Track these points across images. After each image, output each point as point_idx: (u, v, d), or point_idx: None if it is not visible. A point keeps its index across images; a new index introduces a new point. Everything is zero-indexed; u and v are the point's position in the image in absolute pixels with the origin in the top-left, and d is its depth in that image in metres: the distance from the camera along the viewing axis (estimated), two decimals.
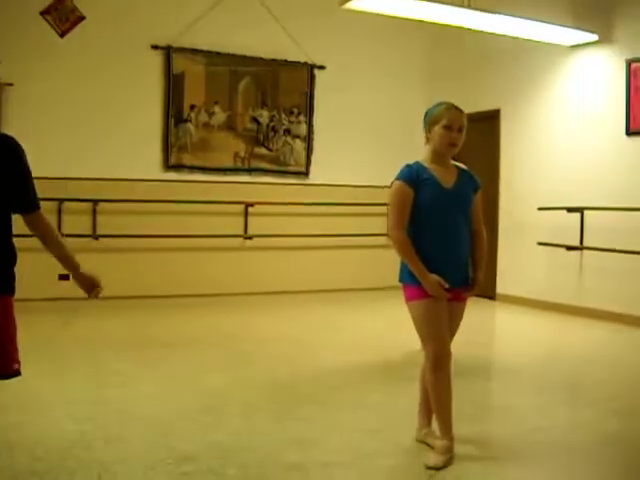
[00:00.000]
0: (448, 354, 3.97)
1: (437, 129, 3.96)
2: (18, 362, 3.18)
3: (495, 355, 7.37)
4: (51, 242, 3.28)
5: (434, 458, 3.87)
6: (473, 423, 4.63)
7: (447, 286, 3.85)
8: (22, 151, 3.16)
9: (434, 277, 3.82)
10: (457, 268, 4.00)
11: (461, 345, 7.45)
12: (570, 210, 9.02)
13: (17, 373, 3.18)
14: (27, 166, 3.18)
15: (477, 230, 4.15)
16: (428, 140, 4.05)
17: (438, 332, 3.93)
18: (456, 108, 4.02)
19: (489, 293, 10.40)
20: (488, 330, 8.73)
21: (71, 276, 3.38)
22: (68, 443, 4.03)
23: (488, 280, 10.41)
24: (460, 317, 4.15)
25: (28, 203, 3.20)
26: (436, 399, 3.98)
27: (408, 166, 4.00)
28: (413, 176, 3.93)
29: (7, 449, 3.93)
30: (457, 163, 4.16)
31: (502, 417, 4.98)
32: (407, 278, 3.97)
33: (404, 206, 3.92)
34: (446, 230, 3.94)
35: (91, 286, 3.38)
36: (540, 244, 9.50)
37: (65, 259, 3.33)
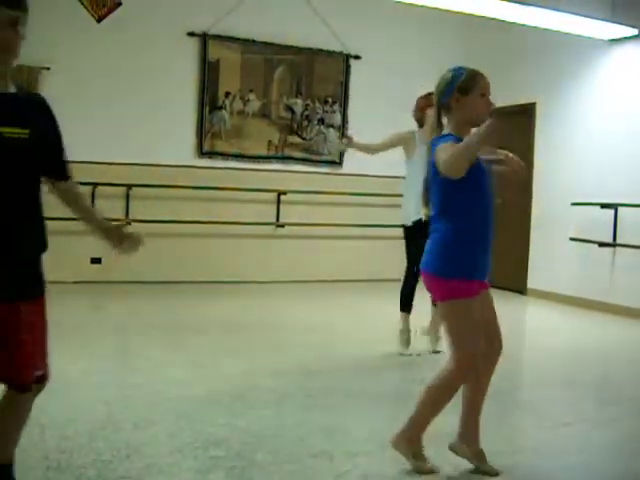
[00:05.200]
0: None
1: (473, 98, 3.53)
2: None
3: (524, 349, 7.34)
4: (82, 209, 3.10)
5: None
6: (500, 416, 4.62)
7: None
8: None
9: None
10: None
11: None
12: (604, 206, 8.94)
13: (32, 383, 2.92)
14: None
15: None
16: (450, 110, 3.60)
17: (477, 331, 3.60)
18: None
19: (520, 287, 10.36)
20: (518, 324, 8.68)
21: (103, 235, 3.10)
22: (97, 424, 4.08)
23: (519, 274, 10.38)
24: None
25: (65, 168, 3.02)
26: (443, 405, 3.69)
27: (452, 136, 3.54)
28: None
29: (38, 428, 3.98)
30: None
31: (529, 411, 4.97)
32: (449, 271, 3.53)
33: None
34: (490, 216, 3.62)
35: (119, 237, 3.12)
36: (572, 240, 9.44)
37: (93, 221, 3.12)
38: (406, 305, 6.43)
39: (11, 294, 2.77)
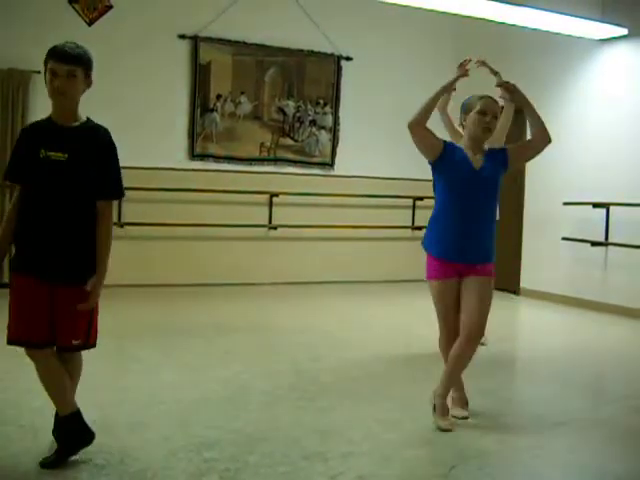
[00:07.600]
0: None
1: (472, 115, 4.30)
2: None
3: (518, 349, 7.35)
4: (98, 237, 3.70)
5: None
6: (495, 416, 4.63)
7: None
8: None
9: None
10: (472, 246, 4.33)
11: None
12: (596, 205, 8.96)
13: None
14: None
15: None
16: (463, 129, 4.47)
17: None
18: (490, 97, 4.37)
19: (513, 288, 10.37)
20: (511, 324, 8.70)
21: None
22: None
23: (512, 274, 10.39)
24: (478, 292, 4.28)
25: (100, 189, 3.82)
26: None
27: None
28: (448, 146, 4.36)
29: (32, 432, 3.99)
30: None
31: (523, 411, 4.98)
32: (428, 245, 4.43)
33: (432, 135, 4.31)
34: (467, 209, 4.31)
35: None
36: (565, 239, 9.45)
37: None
38: None
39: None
